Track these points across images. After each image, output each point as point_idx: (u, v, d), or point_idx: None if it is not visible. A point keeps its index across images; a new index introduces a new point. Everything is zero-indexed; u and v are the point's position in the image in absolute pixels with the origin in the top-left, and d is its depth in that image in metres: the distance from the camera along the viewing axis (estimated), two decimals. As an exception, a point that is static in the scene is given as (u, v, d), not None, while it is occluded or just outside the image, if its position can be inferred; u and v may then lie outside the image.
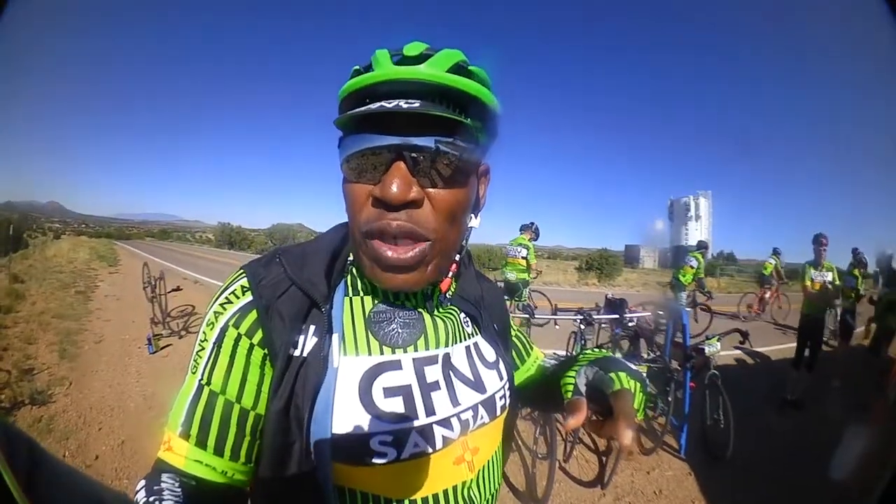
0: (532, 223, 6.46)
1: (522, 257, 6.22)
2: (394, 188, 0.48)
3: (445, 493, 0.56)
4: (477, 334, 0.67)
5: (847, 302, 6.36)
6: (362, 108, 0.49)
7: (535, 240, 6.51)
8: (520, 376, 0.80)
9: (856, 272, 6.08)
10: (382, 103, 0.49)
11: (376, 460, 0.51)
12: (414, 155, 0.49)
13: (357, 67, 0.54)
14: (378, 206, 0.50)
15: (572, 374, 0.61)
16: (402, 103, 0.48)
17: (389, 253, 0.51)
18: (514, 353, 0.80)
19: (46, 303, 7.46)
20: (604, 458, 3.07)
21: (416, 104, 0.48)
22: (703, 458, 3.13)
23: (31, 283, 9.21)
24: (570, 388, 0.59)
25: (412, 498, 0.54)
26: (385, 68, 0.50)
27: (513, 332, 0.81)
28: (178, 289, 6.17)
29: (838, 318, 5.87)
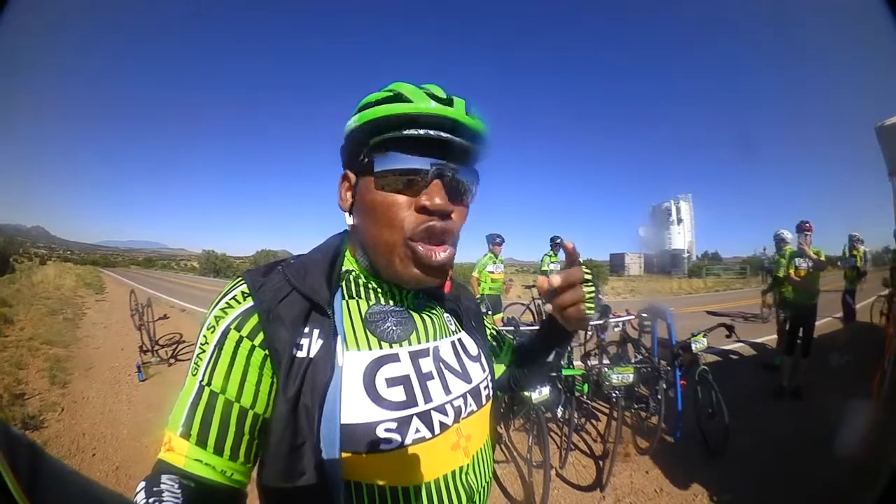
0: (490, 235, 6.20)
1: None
2: (438, 200, 0.58)
3: (446, 478, 0.60)
4: (460, 331, 0.75)
5: (848, 283, 6.48)
6: (419, 131, 0.58)
7: (496, 251, 6.08)
8: (502, 360, 0.89)
9: (855, 252, 6.39)
10: (431, 132, 0.58)
11: (383, 447, 0.54)
12: (448, 176, 0.60)
13: (383, 95, 0.61)
14: (424, 213, 0.59)
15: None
16: (445, 135, 0.58)
17: (427, 253, 0.59)
18: (494, 342, 0.90)
19: (35, 328, 7.35)
20: (600, 462, 3.09)
21: (458, 138, 0.59)
22: (702, 453, 3.15)
23: (20, 308, 9.07)
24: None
25: (416, 484, 0.57)
26: (427, 103, 0.58)
27: (487, 330, 0.89)
28: (165, 317, 6.14)
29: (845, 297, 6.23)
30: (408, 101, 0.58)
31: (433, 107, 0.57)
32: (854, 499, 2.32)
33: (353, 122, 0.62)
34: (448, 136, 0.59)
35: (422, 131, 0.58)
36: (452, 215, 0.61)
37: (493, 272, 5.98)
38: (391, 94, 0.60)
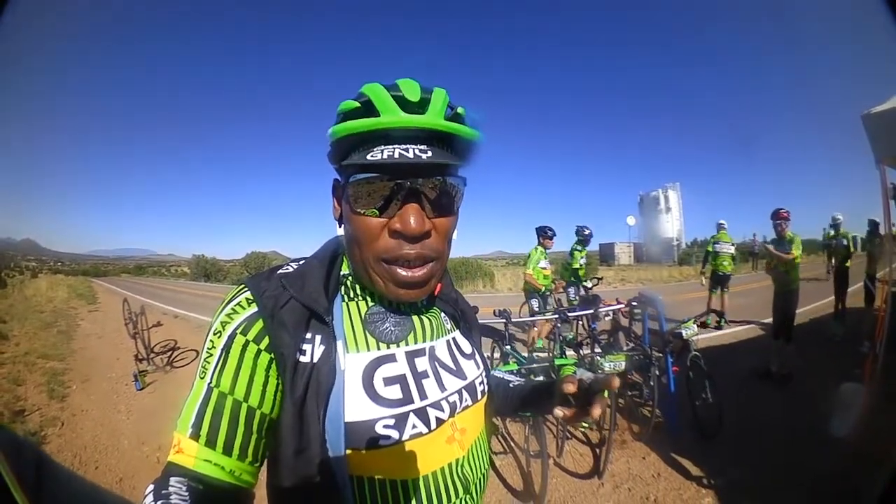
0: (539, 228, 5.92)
1: None
2: (413, 224, 0.57)
3: (443, 470, 0.63)
4: (455, 330, 0.77)
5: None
6: (384, 157, 0.56)
7: (547, 245, 5.84)
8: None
9: (843, 232, 6.54)
10: (400, 150, 0.56)
11: (382, 443, 0.57)
12: (424, 194, 0.58)
13: (354, 105, 0.58)
14: (397, 238, 0.59)
15: (571, 369, 0.70)
16: (418, 152, 0.56)
17: (405, 273, 0.60)
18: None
19: (30, 343, 7.31)
20: (597, 450, 3.14)
21: (430, 153, 0.57)
22: (696, 438, 3.20)
23: (14, 323, 9.00)
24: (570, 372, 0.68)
25: (414, 477, 0.60)
26: (394, 114, 0.55)
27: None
28: (158, 324, 6.12)
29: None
30: (376, 113, 0.56)
31: (402, 118, 0.55)
32: (847, 481, 2.38)
33: (330, 134, 0.60)
34: (418, 154, 0.56)
35: (395, 153, 0.55)
36: (433, 232, 0.60)
37: (545, 268, 5.80)
38: (361, 103, 0.58)
